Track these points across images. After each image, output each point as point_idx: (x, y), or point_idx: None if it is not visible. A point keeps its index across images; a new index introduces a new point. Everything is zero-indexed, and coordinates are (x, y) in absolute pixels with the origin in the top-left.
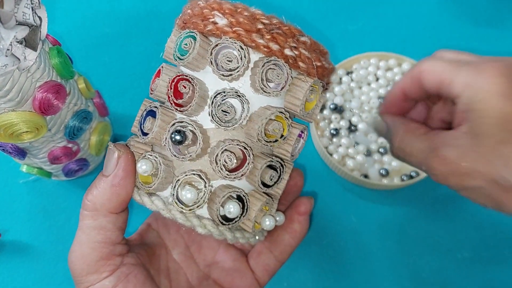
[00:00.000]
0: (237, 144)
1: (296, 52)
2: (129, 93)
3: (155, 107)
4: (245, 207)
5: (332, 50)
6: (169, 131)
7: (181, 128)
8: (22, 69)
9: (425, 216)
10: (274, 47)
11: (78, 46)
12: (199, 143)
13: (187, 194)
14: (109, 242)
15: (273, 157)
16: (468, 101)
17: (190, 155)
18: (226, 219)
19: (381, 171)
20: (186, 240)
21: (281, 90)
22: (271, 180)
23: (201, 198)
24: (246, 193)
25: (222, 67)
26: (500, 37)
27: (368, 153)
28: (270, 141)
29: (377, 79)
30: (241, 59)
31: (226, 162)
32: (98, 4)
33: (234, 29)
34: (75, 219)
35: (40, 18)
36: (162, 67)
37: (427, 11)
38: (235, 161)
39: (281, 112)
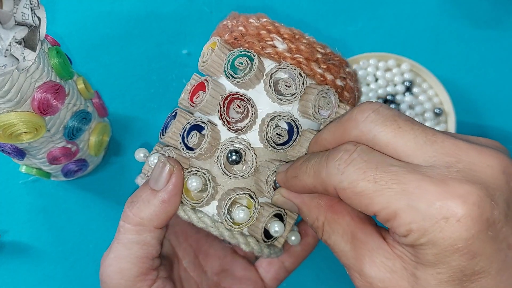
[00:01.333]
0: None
1: (344, 83)
2: (129, 94)
3: (203, 122)
4: (284, 225)
5: None
6: (221, 150)
7: (237, 148)
8: (21, 69)
9: None
10: (329, 77)
11: (78, 47)
12: (253, 164)
13: (240, 214)
14: (150, 257)
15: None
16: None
17: (243, 175)
18: (266, 237)
19: None
20: (195, 249)
21: (328, 117)
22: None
23: (251, 217)
24: (285, 212)
25: (280, 91)
26: (498, 39)
27: None
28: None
29: (376, 80)
30: (299, 85)
31: (273, 183)
32: (98, 4)
33: (294, 56)
34: (75, 220)
35: (39, 18)
36: (206, 81)
37: (426, 12)
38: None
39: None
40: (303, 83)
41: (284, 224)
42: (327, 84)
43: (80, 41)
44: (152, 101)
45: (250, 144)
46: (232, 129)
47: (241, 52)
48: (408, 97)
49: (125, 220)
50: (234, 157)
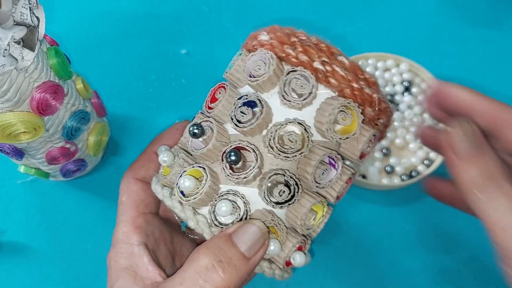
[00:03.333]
0: (247, 146)
1: (328, 68)
2: (127, 93)
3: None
4: (243, 216)
5: None
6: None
7: (201, 122)
8: (20, 69)
9: (424, 217)
10: (303, 58)
11: (76, 47)
12: (214, 139)
13: (185, 182)
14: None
15: (288, 172)
16: None
17: (202, 150)
18: (221, 223)
19: (386, 168)
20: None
21: (303, 101)
22: (279, 195)
23: (199, 189)
24: (247, 201)
25: (254, 76)
26: (497, 39)
27: None
28: (283, 151)
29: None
30: (268, 67)
31: (231, 160)
32: (96, 4)
33: (270, 41)
34: (73, 220)
35: (38, 18)
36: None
37: (425, 11)
38: (240, 160)
39: (300, 124)
40: (271, 64)
41: (243, 215)
42: (303, 67)
43: (79, 41)
44: (151, 101)
45: (227, 130)
46: (209, 113)
47: (239, 54)
48: (407, 97)
49: None
50: (195, 130)
